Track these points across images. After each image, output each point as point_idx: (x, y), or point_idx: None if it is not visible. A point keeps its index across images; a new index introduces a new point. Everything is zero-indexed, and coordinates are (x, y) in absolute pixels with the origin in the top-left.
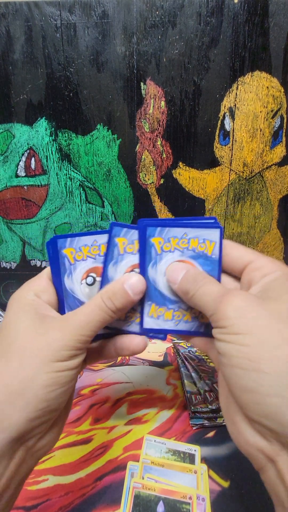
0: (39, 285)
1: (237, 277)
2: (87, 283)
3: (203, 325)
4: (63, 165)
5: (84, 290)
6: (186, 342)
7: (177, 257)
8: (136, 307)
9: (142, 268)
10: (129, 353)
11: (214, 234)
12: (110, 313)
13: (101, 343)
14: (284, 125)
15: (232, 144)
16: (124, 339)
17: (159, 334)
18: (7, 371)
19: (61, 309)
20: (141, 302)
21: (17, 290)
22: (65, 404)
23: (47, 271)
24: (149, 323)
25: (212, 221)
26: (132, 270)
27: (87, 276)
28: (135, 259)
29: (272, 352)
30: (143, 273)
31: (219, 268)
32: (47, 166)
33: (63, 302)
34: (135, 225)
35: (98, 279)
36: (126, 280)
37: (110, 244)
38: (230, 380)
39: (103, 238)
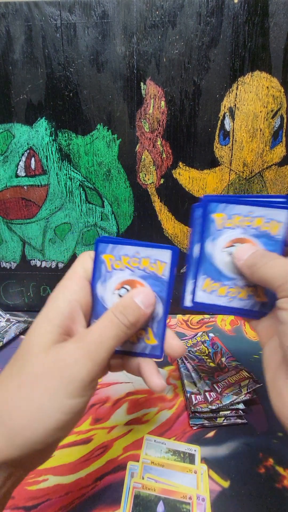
0: (71, 291)
1: None
2: (119, 295)
3: (258, 304)
4: (63, 165)
5: (115, 300)
6: (186, 342)
7: (239, 234)
8: (145, 326)
9: (201, 242)
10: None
11: (281, 215)
12: (124, 328)
13: (123, 358)
14: (284, 125)
15: (232, 144)
16: (146, 370)
17: (210, 310)
18: (18, 396)
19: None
20: (164, 305)
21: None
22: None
23: (79, 272)
24: (201, 297)
25: (283, 200)
26: (122, 287)
27: (122, 287)
28: (124, 275)
29: None
30: (202, 247)
31: (281, 248)
32: (47, 166)
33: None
34: (122, 238)
35: None
36: (136, 295)
37: (96, 261)
38: None
39: (146, 251)
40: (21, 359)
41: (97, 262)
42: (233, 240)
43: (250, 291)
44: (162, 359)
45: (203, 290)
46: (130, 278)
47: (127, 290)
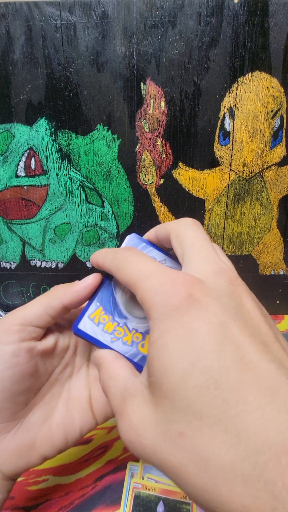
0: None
1: None
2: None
3: (139, 355)
4: (63, 165)
5: (125, 294)
6: None
7: None
8: (144, 331)
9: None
10: None
11: None
12: (55, 299)
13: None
14: (284, 125)
15: (232, 144)
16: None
17: (91, 341)
18: None
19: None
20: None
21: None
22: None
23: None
24: (85, 325)
25: None
26: None
27: None
28: None
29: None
30: (109, 274)
31: None
32: (47, 166)
33: (96, 294)
34: (152, 243)
35: None
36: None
37: None
38: None
39: (172, 263)
40: None
41: None
42: None
43: (136, 337)
44: None
45: (90, 318)
46: None
47: None
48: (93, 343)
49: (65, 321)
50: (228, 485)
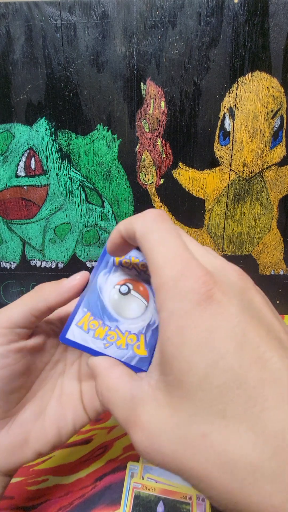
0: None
1: None
2: (120, 291)
3: (136, 358)
4: (63, 165)
5: (113, 296)
6: None
7: (133, 276)
8: (137, 332)
9: (94, 272)
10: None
11: None
12: (40, 301)
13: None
14: (284, 125)
15: (232, 144)
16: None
17: (82, 350)
18: None
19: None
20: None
21: None
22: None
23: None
24: (74, 334)
25: None
26: (124, 284)
27: (124, 284)
28: (130, 274)
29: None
30: (93, 278)
31: None
32: (47, 166)
33: (82, 299)
34: None
35: (133, 293)
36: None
37: (105, 254)
38: None
39: None
40: None
41: (106, 253)
42: (126, 279)
43: (130, 339)
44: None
45: (78, 326)
46: (136, 279)
47: (129, 289)
48: (85, 351)
49: (55, 317)
50: (257, 486)
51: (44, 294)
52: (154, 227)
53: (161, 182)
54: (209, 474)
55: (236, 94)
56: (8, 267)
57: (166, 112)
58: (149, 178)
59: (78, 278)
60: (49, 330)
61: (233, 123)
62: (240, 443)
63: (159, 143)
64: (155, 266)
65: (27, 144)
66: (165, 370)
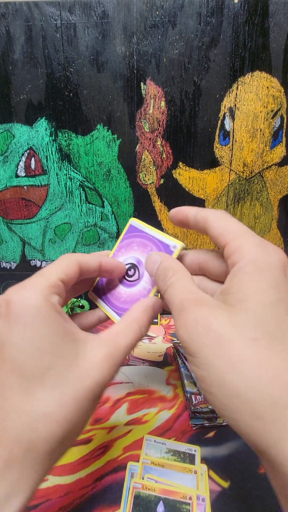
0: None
1: None
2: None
3: None
4: (63, 165)
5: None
6: None
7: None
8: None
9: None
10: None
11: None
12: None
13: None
14: (284, 125)
15: (232, 144)
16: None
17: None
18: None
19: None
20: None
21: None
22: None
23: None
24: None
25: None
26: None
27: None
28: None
29: (217, 377)
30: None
31: None
32: (47, 166)
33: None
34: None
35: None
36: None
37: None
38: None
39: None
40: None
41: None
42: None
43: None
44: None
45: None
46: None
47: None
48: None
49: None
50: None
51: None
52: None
53: (161, 182)
54: (243, 366)
55: (236, 94)
56: (8, 267)
57: (166, 112)
58: (149, 178)
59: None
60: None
61: (233, 123)
62: (282, 357)
63: (159, 143)
64: (235, 232)
65: (27, 144)
66: (236, 290)
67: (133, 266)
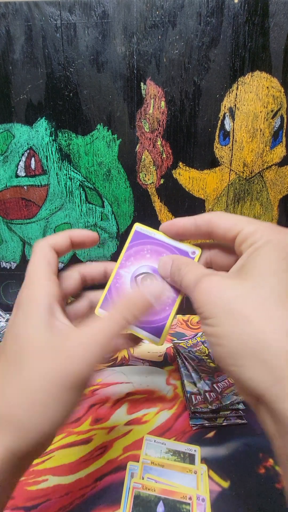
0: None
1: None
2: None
3: None
4: (63, 165)
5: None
6: (186, 342)
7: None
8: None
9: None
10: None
11: None
12: (129, 325)
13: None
14: (284, 125)
15: (232, 144)
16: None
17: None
18: (20, 383)
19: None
20: None
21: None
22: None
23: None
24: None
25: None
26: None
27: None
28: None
29: (228, 329)
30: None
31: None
32: (47, 166)
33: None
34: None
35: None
36: (146, 290)
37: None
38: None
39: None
40: (17, 354)
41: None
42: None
43: None
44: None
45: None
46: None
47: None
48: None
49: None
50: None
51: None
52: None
53: (161, 182)
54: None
55: (236, 94)
56: (8, 267)
57: (166, 112)
58: (149, 178)
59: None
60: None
61: (233, 123)
62: None
63: (159, 143)
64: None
65: (27, 144)
66: (251, 259)
67: (148, 276)
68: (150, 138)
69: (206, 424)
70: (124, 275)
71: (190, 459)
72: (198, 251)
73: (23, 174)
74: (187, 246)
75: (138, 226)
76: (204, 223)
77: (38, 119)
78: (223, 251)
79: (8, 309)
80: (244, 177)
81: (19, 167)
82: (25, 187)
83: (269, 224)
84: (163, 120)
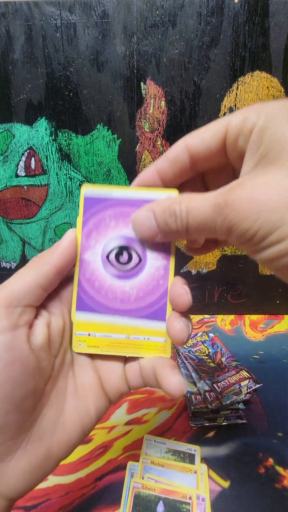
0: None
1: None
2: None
3: None
4: (63, 165)
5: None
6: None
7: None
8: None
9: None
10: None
11: None
12: (45, 265)
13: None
14: None
15: None
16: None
17: None
18: None
19: None
20: None
21: None
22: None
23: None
24: None
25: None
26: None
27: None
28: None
29: (244, 195)
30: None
31: None
32: (47, 166)
33: None
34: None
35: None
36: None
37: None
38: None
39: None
40: None
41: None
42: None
43: None
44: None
45: None
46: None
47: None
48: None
49: (55, 296)
50: None
51: (47, 257)
52: None
53: None
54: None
55: (237, 94)
56: (8, 267)
57: (166, 112)
58: None
59: (70, 233)
60: (51, 314)
61: None
62: None
63: (159, 143)
64: None
65: (27, 144)
66: (275, 146)
67: (123, 249)
68: (150, 138)
69: (206, 424)
70: (91, 259)
71: (190, 459)
72: (175, 193)
73: (23, 174)
74: (160, 192)
75: (87, 190)
76: (178, 152)
77: (38, 119)
78: (209, 177)
79: None
80: None
81: (19, 167)
82: (25, 187)
83: (254, 105)
84: (163, 120)
